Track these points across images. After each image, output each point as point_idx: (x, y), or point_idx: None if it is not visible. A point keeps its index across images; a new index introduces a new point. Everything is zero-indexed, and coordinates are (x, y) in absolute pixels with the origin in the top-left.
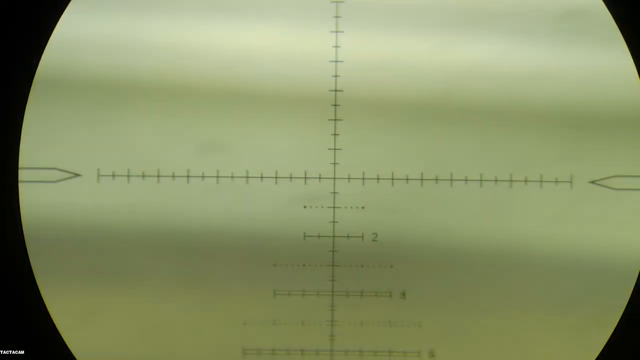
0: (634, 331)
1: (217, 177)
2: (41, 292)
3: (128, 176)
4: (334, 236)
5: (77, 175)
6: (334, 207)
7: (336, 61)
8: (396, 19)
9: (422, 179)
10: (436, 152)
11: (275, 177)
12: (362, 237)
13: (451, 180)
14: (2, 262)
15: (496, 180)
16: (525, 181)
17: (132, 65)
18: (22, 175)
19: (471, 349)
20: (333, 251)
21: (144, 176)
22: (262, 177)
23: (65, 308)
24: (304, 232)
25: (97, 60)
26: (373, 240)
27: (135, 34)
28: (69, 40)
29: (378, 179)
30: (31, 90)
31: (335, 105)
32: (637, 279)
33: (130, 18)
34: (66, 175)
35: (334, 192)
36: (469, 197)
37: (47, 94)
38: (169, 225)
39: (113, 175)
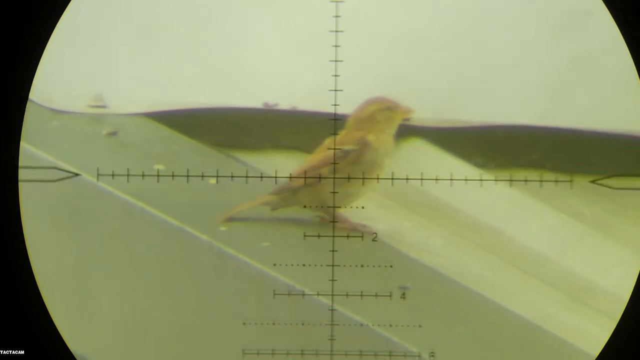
0: (634, 331)
1: (217, 176)
2: (41, 292)
3: (128, 175)
4: (334, 236)
5: (76, 174)
6: (333, 207)
7: (336, 60)
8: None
9: (422, 179)
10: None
11: (275, 177)
12: (362, 237)
13: (451, 180)
14: (2, 261)
15: (496, 180)
16: (526, 181)
17: (147, 37)
18: (22, 174)
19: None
20: (333, 251)
21: (143, 176)
22: (261, 177)
23: (65, 308)
24: (304, 232)
25: (112, 31)
26: (373, 240)
27: (152, 12)
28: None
29: (378, 178)
30: (31, 89)
31: (335, 105)
32: (637, 279)
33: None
34: (66, 175)
35: (334, 192)
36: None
37: (47, 93)
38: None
39: (113, 175)
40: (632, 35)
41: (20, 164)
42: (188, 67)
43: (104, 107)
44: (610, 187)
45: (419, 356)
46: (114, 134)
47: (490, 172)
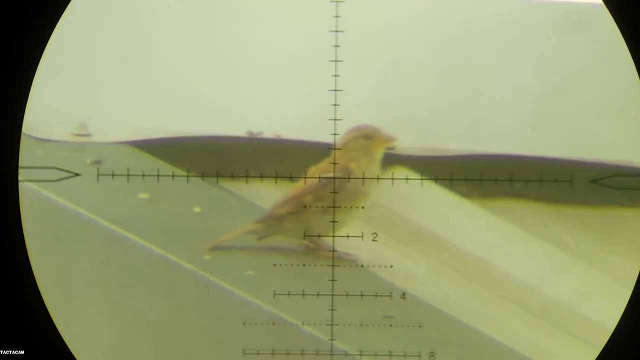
0: (634, 331)
1: (217, 177)
2: (41, 292)
3: (128, 175)
4: (334, 236)
5: (76, 174)
6: (333, 207)
7: (336, 61)
8: (396, 18)
9: (421, 179)
10: (435, 153)
11: (275, 177)
12: (362, 237)
13: (451, 180)
14: (2, 261)
15: (496, 180)
16: (526, 181)
17: (131, 65)
18: (22, 174)
19: (471, 350)
20: (333, 251)
21: (143, 176)
22: (262, 177)
23: (66, 308)
24: (304, 232)
25: (96, 59)
26: (373, 240)
27: (136, 41)
28: (69, 43)
29: (378, 178)
30: (31, 90)
31: (335, 105)
32: (637, 279)
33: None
34: (66, 175)
35: (334, 192)
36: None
37: (47, 93)
38: (169, 225)
39: (113, 175)
40: (632, 36)
41: (20, 164)
42: (172, 95)
43: (88, 135)
44: (610, 187)
45: (419, 356)
46: (98, 162)
47: (474, 201)
